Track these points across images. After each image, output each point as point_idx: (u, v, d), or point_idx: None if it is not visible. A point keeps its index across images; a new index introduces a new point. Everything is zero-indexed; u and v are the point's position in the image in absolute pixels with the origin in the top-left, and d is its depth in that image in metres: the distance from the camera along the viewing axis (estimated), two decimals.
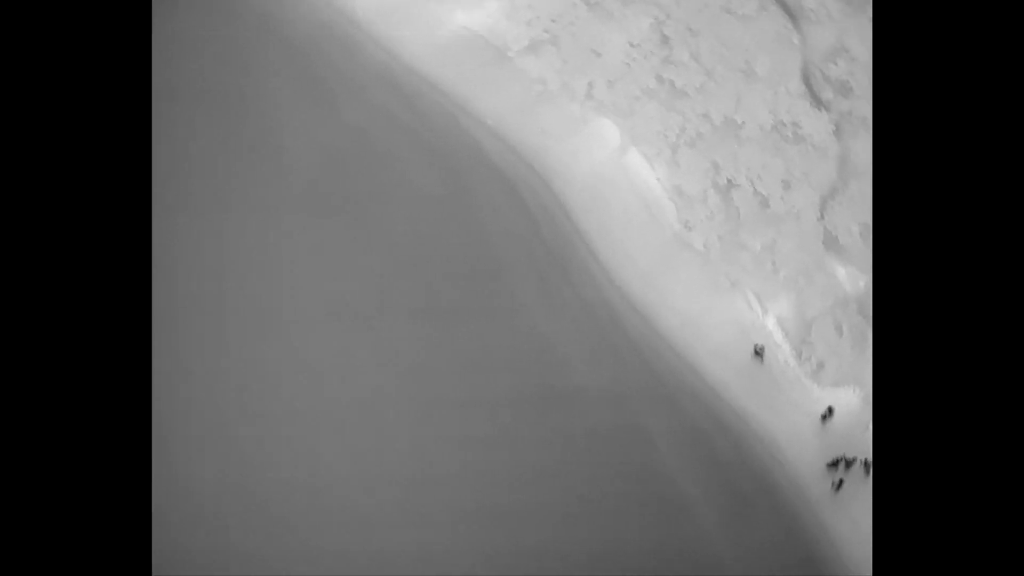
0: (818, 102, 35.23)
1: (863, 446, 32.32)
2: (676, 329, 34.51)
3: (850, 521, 31.27)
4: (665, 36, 35.91)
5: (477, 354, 33.18)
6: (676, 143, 35.46)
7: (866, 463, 32.39)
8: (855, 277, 34.24)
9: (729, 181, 34.62)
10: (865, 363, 33.30)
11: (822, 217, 34.29)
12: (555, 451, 32.26)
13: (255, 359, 32.56)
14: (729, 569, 32.13)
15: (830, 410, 33.31)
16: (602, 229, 35.36)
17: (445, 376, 32.64)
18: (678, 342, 34.42)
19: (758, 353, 33.98)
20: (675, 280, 34.93)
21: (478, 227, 35.23)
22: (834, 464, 32.59)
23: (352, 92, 37.08)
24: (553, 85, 36.45)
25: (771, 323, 34.36)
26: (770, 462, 33.27)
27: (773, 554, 32.20)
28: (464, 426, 31.94)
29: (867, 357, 33.34)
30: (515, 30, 37.54)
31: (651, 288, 34.90)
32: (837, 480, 32.22)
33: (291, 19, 37.74)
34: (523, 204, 35.68)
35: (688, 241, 34.98)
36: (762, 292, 34.47)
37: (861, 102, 34.62)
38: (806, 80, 35.48)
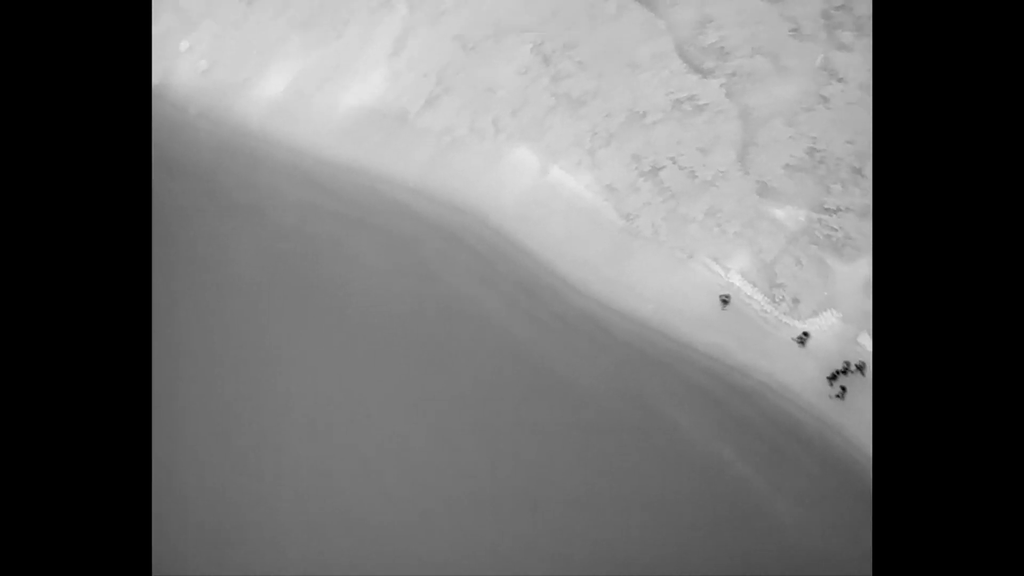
0: (703, 72, 39.63)
1: (852, 354, 35.57)
2: (653, 314, 37.44)
3: (858, 415, 34.15)
4: (547, 56, 40.10)
5: (485, 391, 35.79)
6: (592, 148, 39.19)
7: (859, 366, 35.58)
8: (794, 213, 37.86)
9: (653, 166, 38.27)
10: (832, 284, 36.75)
11: (747, 171, 38.19)
12: (596, 447, 34.65)
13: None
14: (786, 517, 34.38)
15: (805, 334, 36.43)
16: (552, 247, 38.42)
17: (461, 415, 35.09)
18: (660, 325, 37.37)
19: (725, 301, 37.30)
20: (636, 270, 38.05)
21: (436, 283, 38.13)
22: (833, 376, 35.63)
23: (272, 197, 40.32)
24: (461, 131, 40.12)
25: (737, 279, 37.62)
26: (782, 403, 35.94)
27: (817, 487, 34.56)
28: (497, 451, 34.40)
29: (832, 279, 36.84)
30: (407, 92, 41.00)
31: (616, 285, 37.93)
32: (839, 389, 35.29)
33: (194, 145, 41.30)
34: (471, 248, 38.58)
35: (635, 231, 38.29)
36: (718, 254, 37.78)
37: (741, 60, 39.10)
38: (684, 57, 40.01)
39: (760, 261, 37.49)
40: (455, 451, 33.76)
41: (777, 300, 37.06)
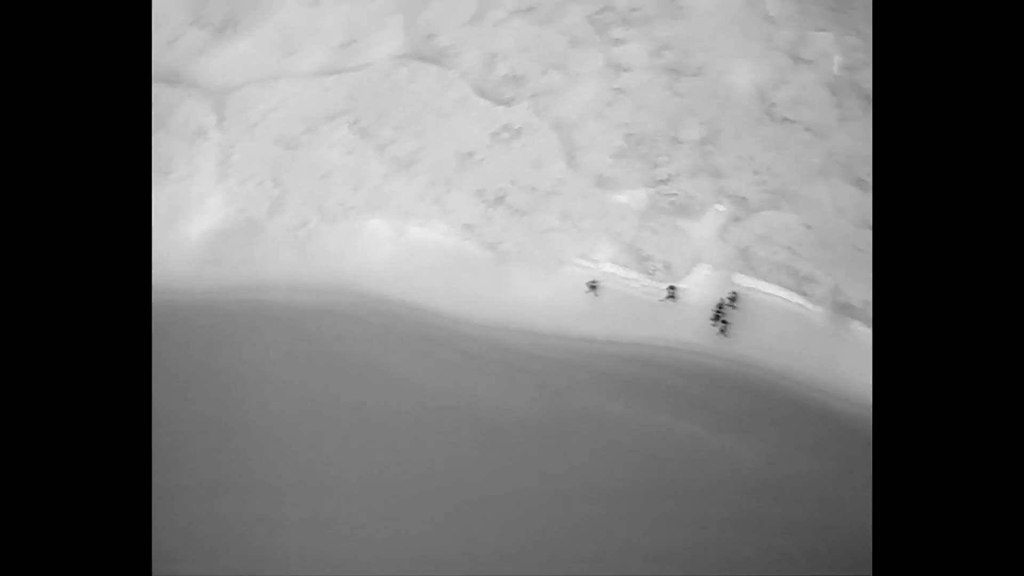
0: (506, 102, 45.32)
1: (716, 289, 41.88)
2: (549, 323, 42.26)
3: (742, 340, 40.37)
4: (364, 131, 44.53)
5: (431, 443, 39.43)
6: (436, 197, 43.56)
7: (730, 299, 41.39)
8: (635, 193, 43.65)
9: (496, 195, 43.20)
10: (691, 241, 42.73)
11: (580, 172, 43.91)
12: (547, 458, 38.72)
13: None
14: (729, 446, 39.61)
15: (671, 288, 41.92)
16: (435, 295, 42.46)
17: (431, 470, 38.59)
18: (560, 330, 42.15)
19: (593, 287, 42.61)
20: (518, 289, 42.62)
21: (345, 362, 41.43)
22: (715, 318, 41.20)
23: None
24: (312, 221, 43.50)
25: (609, 266, 43.02)
26: (685, 356, 41.35)
27: (736, 411, 40.27)
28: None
29: (689, 236, 42.84)
30: (249, 204, 44.29)
31: (505, 307, 42.11)
32: (722, 324, 41.03)
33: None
34: (362, 321, 41.71)
35: (504, 256, 43.01)
36: (584, 250, 42.91)
37: (535, 81, 45.08)
38: (484, 95, 45.63)
39: (622, 244, 43.01)
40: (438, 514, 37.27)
41: (651, 271, 42.55)
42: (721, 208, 43.06)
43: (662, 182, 43.08)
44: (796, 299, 41.65)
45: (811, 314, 41.55)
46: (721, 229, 42.76)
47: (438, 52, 45.41)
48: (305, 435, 39.96)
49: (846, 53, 44.06)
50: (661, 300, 41.79)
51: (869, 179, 41.95)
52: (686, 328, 41.61)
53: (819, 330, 41.41)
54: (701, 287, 42.18)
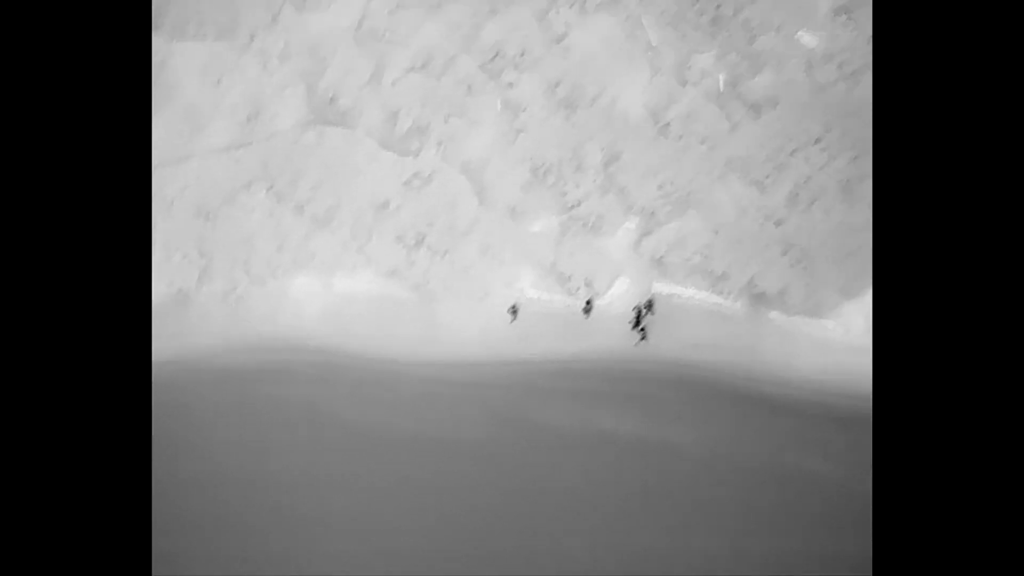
0: (413, 152, 47.81)
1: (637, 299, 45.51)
2: (490, 353, 45.42)
3: (660, 341, 44.55)
4: (280, 195, 46.51)
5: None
6: (358, 247, 46.53)
7: (646, 305, 45.13)
8: (548, 221, 46.92)
9: (416, 239, 46.09)
10: (608, 257, 46.34)
11: (492, 207, 47.24)
12: (504, 483, 41.85)
13: None
14: (668, 437, 43.01)
15: (588, 303, 45.44)
16: (371, 340, 45.31)
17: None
18: (506, 358, 45.38)
19: (514, 312, 45.71)
20: (451, 325, 45.70)
21: (299, 418, 44.35)
22: (634, 325, 44.97)
23: None
24: (242, 285, 46.13)
25: (532, 292, 46.42)
26: (615, 365, 44.88)
27: (670, 405, 43.85)
28: None
29: (605, 253, 46.43)
30: (177, 277, 46.49)
31: (441, 344, 45.03)
32: (641, 332, 44.93)
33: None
34: (304, 375, 44.55)
35: (431, 296, 45.79)
36: (507, 279, 46.21)
37: (439, 130, 48.03)
38: (391, 148, 47.60)
39: (543, 268, 46.32)
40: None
41: (574, 291, 46.01)
42: (631, 224, 46.81)
43: (572, 207, 46.61)
44: (714, 298, 45.36)
45: (730, 309, 45.23)
46: (634, 243, 46.41)
47: (341, 114, 48.76)
48: (262, 488, 42.09)
49: (728, 70, 48.46)
50: (582, 315, 45.20)
51: (766, 180, 46.05)
52: (612, 338, 45.05)
53: (739, 323, 45.11)
54: (623, 298, 45.66)
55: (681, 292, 45.70)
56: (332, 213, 46.51)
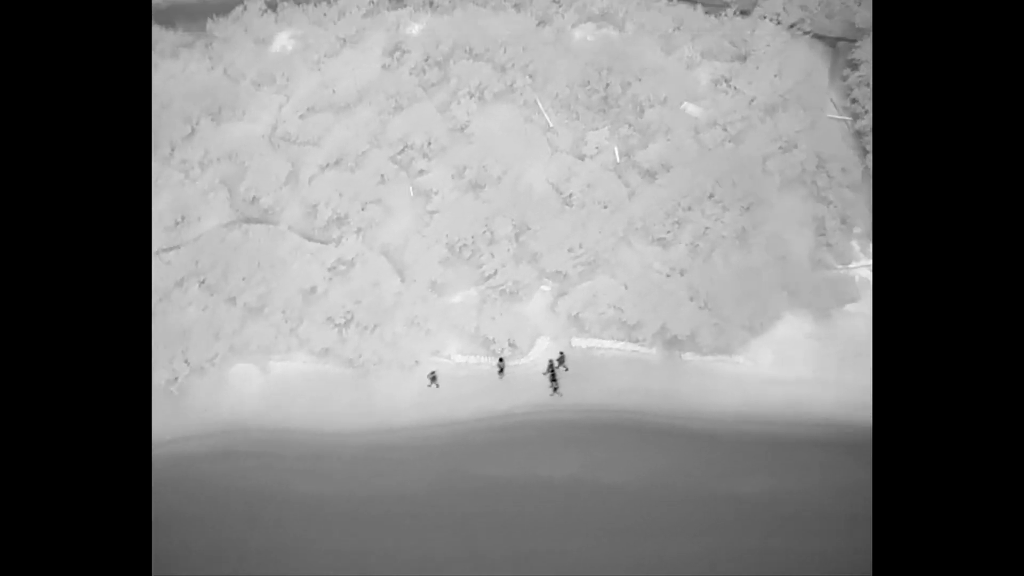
0: (335, 240, 52.88)
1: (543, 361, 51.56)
2: (424, 416, 50.53)
3: (570, 391, 50.69)
4: (212, 288, 50.82)
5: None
6: (291, 329, 51.07)
7: (559, 359, 51.23)
8: (467, 293, 52.48)
9: (345, 318, 50.99)
10: (527, 320, 52.14)
11: (415, 281, 52.85)
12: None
13: None
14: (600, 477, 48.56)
15: (500, 360, 51.02)
16: (312, 416, 49.65)
17: None
18: (442, 420, 50.53)
19: (433, 378, 50.86)
20: (386, 393, 50.64)
21: (236, 499, 48.71)
22: (551, 379, 50.94)
23: None
24: (182, 374, 50.57)
25: (459, 357, 51.86)
26: (540, 417, 50.74)
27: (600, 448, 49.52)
28: None
29: (524, 316, 52.25)
30: None
31: (378, 413, 49.73)
32: (555, 385, 50.87)
33: None
34: (249, 454, 49.05)
35: (365, 369, 50.61)
36: (436, 348, 51.40)
37: (357, 217, 53.34)
38: (313, 239, 53.46)
39: (468, 335, 51.99)
40: None
41: (498, 353, 51.75)
42: (546, 288, 52.92)
43: (489, 277, 52.52)
44: (630, 346, 51.30)
45: (647, 355, 51.19)
46: (551, 304, 52.31)
47: (264, 211, 54.32)
48: (224, 559, 46.37)
49: (621, 142, 55.43)
50: (497, 375, 50.89)
51: (667, 235, 52.58)
52: (539, 393, 50.71)
53: (657, 367, 51.03)
54: (546, 355, 51.48)
55: (599, 344, 51.48)
56: (263, 301, 51.48)
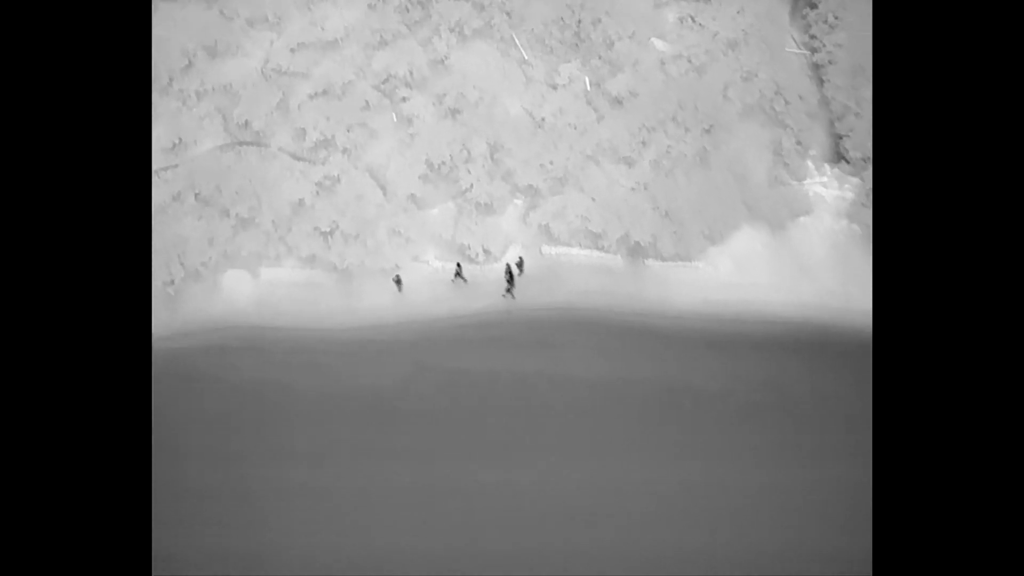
0: (322, 160, 61.71)
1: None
2: (405, 315, 57.50)
3: (527, 290, 57.79)
4: (206, 199, 59.23)
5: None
6: (278, 238, 58.22)
7: (518, 263, 57.97)
8: (445, 206, 59.16)
9: (330, 227, 57.87)
10: (500, 229, 59.71)
11: (395, 195, 59.93)
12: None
13: None
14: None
15: (458, 267, 57.93)
16: (301, 315, 56.04)
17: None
18: (422, 317, 56.92)
19: (397, 282, 57.88)
20: (368, 296, 57.44)
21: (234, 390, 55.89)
22: (508, 278, 57.68)
23: None
24: (179, 279, 57.66)
25: (437, 264, 59.14)
26: (530, 314, 57.74)
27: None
28: None
29: (497, 227, 59.81)
30: None
31: (359, 313, 57.30)
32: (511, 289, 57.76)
33: None
34: (247, 349, 56.11)
35: (350, 273, 56.75)
36: (416, 255, 58.39)
37: (343, 138, 61.33)
38: (300, 159, 62.11)
39: (445, 243, 59.45)
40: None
41: (473, 258, 59.24)
42: (518, 201, 60.47)
43: (466, 191, 60.12)
44: (596, 253, 58.75)
45: (611, 261, 58.63)
46: (523, 216, 59.84)
47: (256, 135, 61.74)
48: (218, 453, 53.24)
49: (591, 72, 63.17)
50: (452, 280, 57.93)
51: (632, 155, 60.19)
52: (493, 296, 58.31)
53: (621, 272, 58.45)
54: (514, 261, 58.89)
55: (567, 252, 58.85)
56: (254, 212, 58.50)
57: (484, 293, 56.18)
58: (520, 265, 56.80)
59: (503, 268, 57.04)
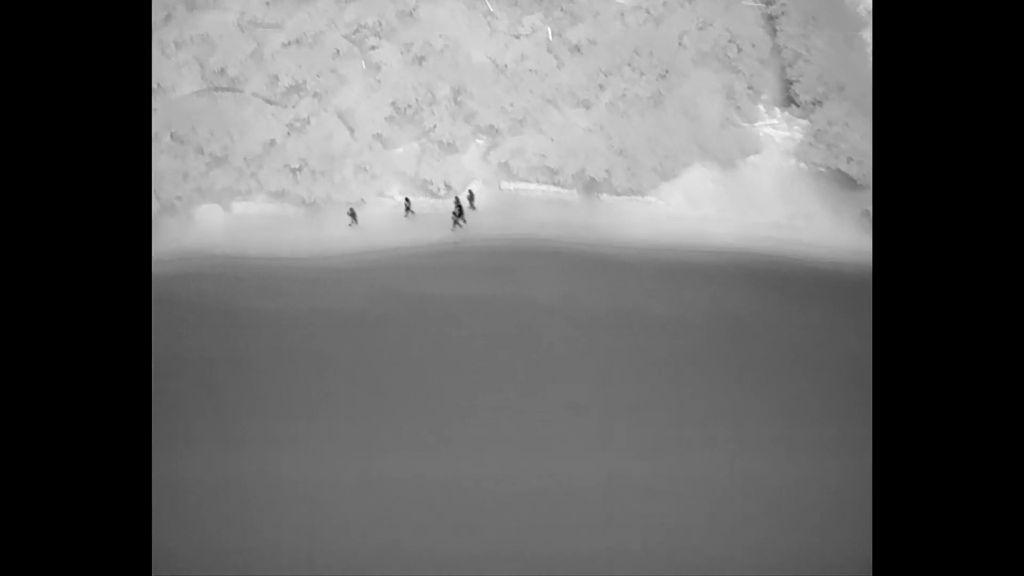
0: (293, 104, 67.72)
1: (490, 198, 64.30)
2: (369, 243, 63.83)
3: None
4: (181, 137, 64.75)
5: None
6: (250, 174, 64.74)
7: (468, 197, 63.55)
8: (410, 146, 65.70)
9: (299, 165, 64.76)
10: (461, 167, 65.62)
11: (361, 135, 66.45)
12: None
13: None
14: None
15: (407, 200, 63.36)
16: (277, 245, 61.60)
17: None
18: (385, 246, 63.80)
19: (352, 215, 62.68)
20: (335, 230, 63.32)
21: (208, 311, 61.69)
22: (457, 213, 62.65)
23: None
24: (154, 212, 64.82)
25: (400, 198, 65.28)
26: (488, 244, 63.61)
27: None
28: None
29: (459, 165, 65.70)
30: None
31: (332, 244, 63.05)
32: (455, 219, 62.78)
33: None
34: (229, 277, 61.44)
35: (315, 209, 63.09)
36: (379, 189, 64.68)
37: (315, 83, 67.94)
38: (272, 103, 68.26)
39: (408, 179, 64.73)
40: None
41: (435, 192, 65.02)
42: (480, 141, 66.28)
43: (429, 131, 65.90)
44: (553, 189, 64.48)
45: (567, 195, 64.34)
46: (484, 154, 65.55)
47: (231, 80, 67.39)
48: (190, 364, 58.81)
49: (554, 24, 69.10)
50: (404, 214, 63.44)
51: (592, 99, 66.02)
52: (471, 226, 64.04)
53: (576, 206, 64.26)
54: (479, 195, 64.74)
55: (525, 187, 64.46)
56: (226, 151, 63.79)
57: (446, 225, 61.37)
58: (471, 199, 61.77)
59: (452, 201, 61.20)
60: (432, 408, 54.66)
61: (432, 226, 61.23)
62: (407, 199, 62.52)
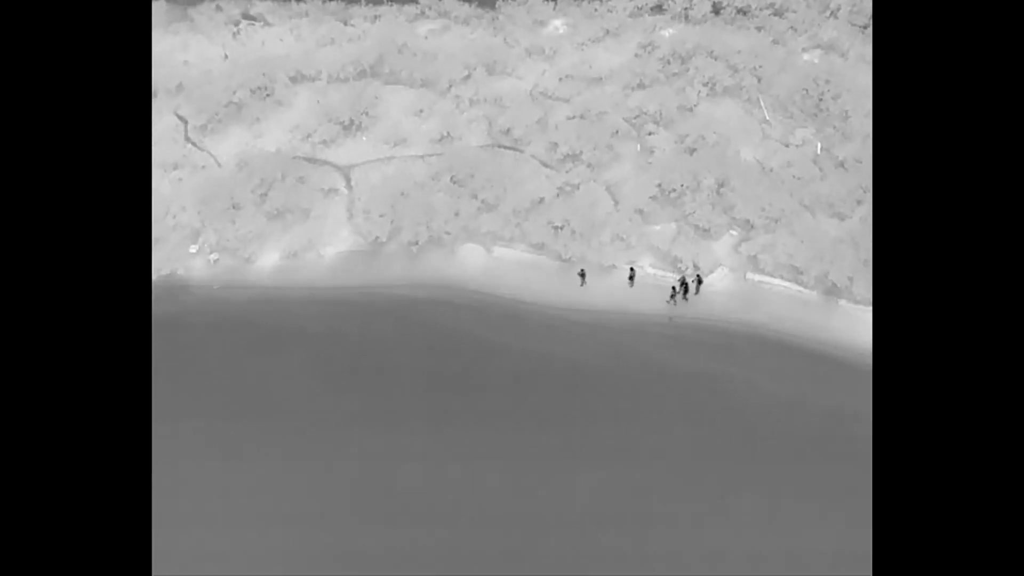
0: (567, 170, 77.70)
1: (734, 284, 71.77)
2: (608, 304, 72.84)
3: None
4: (459, 180, 76.17)
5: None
6: (516, 225, 73.87)
7: (697, 280, 69.91)
8: (668, 225, 74.13)
9: (561, 223, 74.36)
10: (712, 252, 74.16)
11: (624, 208, 76.13)
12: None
13: None
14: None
15: (582, 272, 71.07)
16: (520, 289, 72.23)
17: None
18: (622, 309, 71.62)
19: (582, 276, 70.73)
20: (587, 287, 73.95)
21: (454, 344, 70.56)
22: (684, 292, 69.57)
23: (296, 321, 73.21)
24: (422, 239, 73.00)
25: (651, 269, 74.45)
26: (723, 326, 71.63)
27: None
28: None
29: (710, 249, 74.34)
30: (371, 231, 72.71)
31: (579, 298, 73.48)
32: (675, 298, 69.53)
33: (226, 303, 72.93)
34: (465, 307, 70.62)
35: (570, 265, 74.49)
36: (631, 258, 73.82)
37: (590, 155, 77.65)
38: (548, 165, 78.63)
39: (660, 254, 73.39)
40: None
41: (683, 270, 73.45)
42: (734, 232, 74.97)
43: (688, 215, 74.84)
44: (795, 287, 72.20)
45: (807, 296, 71.78)
46: (735, 245, 73.75)
47: (514, 141, 76.55)
48: (425, 381, 68.23)
49: (825, 140, 77.70)
50: (627, 281, 71.18)
51: (843, 209, 73.85)
52: (713, 307, 71.59)
53: (814, 305, 72.03)
54: (722, 281, 72.69)
55: (770, 280, 72.29)
56: (499, 200, 72.62)
57: (685, 303, 69.84)
58: (699, 284, 69.23)
59: (722, 290, 69.08)
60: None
61: (665, 297, 68.84)
62: (632, 269, 70.08)
